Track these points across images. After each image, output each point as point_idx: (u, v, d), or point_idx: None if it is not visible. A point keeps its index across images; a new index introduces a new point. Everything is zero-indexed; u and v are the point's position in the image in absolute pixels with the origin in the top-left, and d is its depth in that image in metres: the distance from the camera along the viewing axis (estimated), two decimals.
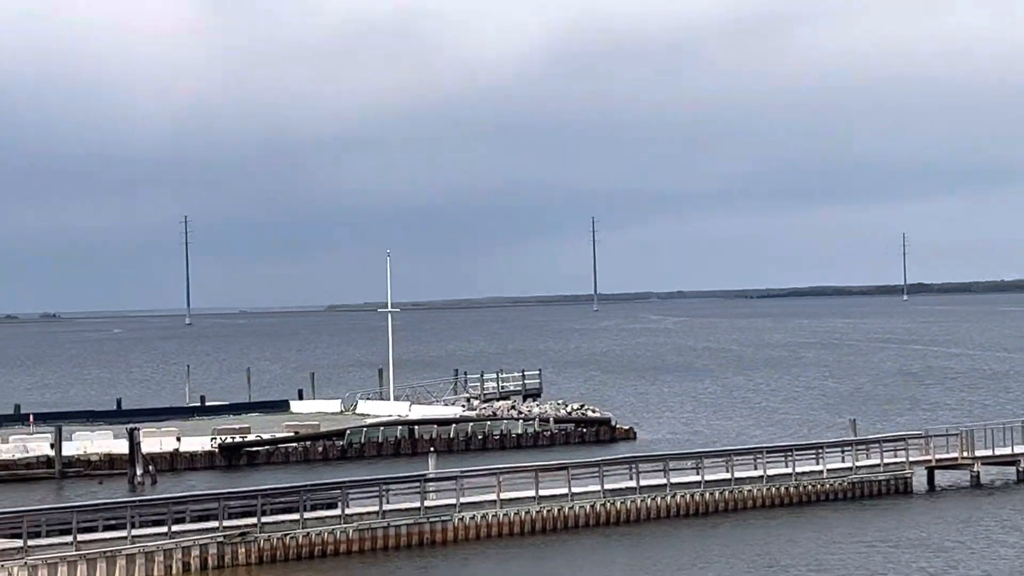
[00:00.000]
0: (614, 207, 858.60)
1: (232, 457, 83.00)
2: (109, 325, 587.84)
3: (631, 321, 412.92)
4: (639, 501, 59.55)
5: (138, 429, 78.42)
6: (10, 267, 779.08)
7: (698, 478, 61.78)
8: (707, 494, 61.30)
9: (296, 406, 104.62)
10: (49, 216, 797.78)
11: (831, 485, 64.48)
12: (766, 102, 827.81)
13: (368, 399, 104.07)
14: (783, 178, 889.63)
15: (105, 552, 48.71)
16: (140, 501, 53.20)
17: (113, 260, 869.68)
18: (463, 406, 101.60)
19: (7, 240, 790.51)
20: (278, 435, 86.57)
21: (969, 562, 49.32)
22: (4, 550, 47.93)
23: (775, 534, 55.90)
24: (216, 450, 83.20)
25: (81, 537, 49.00)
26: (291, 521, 52.69)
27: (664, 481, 60.65)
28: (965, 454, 68.34)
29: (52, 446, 79.80)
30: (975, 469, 68.23)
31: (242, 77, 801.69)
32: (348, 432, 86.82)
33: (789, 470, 64.02)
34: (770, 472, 63.55)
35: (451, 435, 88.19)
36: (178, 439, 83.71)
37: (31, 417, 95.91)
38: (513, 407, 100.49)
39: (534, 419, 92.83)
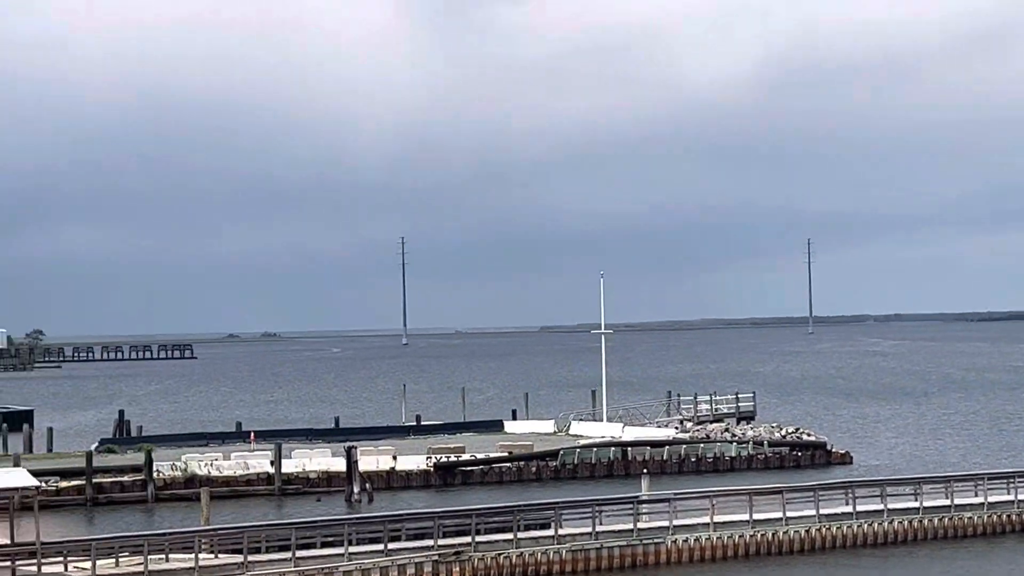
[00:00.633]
0: (830, 228, 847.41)
1: (447, 476, 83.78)
2: (328, 344, 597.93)
3: (847, 344, 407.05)
4: (855, 527, 58.66)
5: (355, 447, 79.58)
6: (232, 288, 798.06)
7: (916, 504, 60.64)
8: (925, 521, 60.13)
9: (510, 426, 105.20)
10: (269, 238, 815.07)
11: None
12: (987, 121, 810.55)
13: (581, 420, 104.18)
14: (1005, 199, 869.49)
15: (323, 568, 49.56)
16: (357, 519, 54.02)
17: (332, 281, 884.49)
18: (676, 428, 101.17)
19: (229, 261, 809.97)
20: (492, 455, 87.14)
21: None
22: (225, 564, 49.04)
23: (997, 563, 54.60)
24: (431, 469, 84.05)
25: (300, 553, 49.94)
26: (505, 541, 52.99)
27: (881, 507, 59.66)
28: None
29: (272, 463, 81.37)
30: None
31: (459, 99, 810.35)
32: (561, 452, 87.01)
33: (1011, 497, 62.48)
34: (991, 499, 62.10)
35: (664, 457, 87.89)
36: (394, 458, 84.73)
37: (252, 435, 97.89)
38: (727, 429, 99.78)
39: (748, 442, 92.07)
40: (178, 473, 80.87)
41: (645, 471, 71.54)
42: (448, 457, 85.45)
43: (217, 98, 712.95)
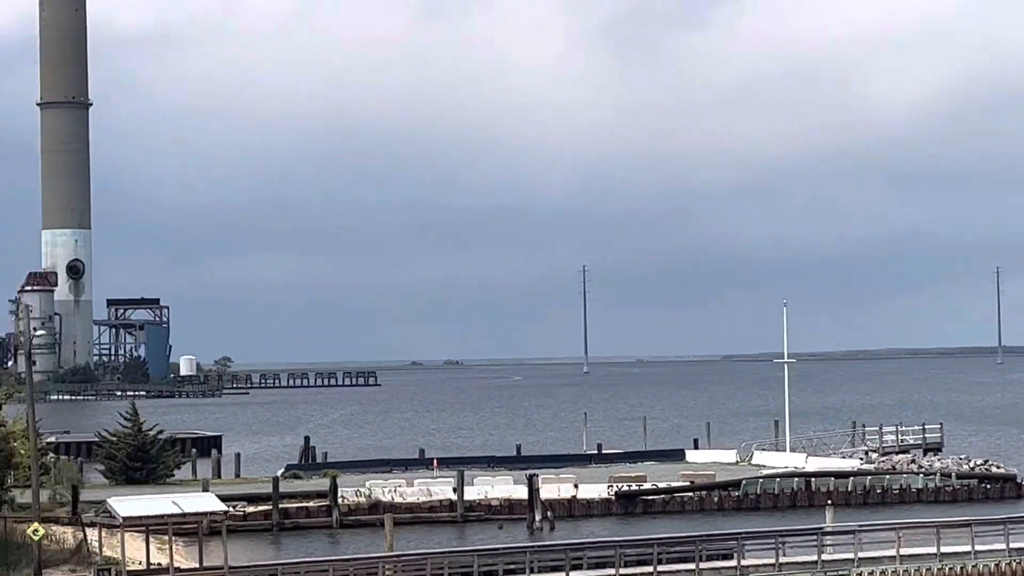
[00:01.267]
0: (1019, 256, 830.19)
1: (628, 505, 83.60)
2: (509, 372, 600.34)
3: None
4: None
5: (537, 475, 79.80)
6: (416, 316, 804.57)
7: None
8: None
9: (691, 455, 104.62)
10: (451, 267, 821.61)
11: None
12: None
13: (764, 450, 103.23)
14: None
15: None
16: (539, 546, 54.19)
17: (513, 309, 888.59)
18: (861, 458, 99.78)
19: (413, 290, 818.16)
20: (674, 484, 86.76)
21: None
22: None
23: None
24: (613, 497, 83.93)
25: None
26: (687, 571, 52.69)
27: None
28: None
29: (455, 490, 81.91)
30: None
31: (640, 127, 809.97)
32: (744, 482, 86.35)
33: None
34: None
35: (849, 488, 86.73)
36: (576, 486, 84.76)
37: (435, 461, 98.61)
38: (913, 461, 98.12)
39: (935, 474, 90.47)
40: (362, 499, 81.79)
41: (829, 502, 70.69)
42: (629, 486, 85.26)
43: (403, 128, 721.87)
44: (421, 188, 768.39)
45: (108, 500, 69.79)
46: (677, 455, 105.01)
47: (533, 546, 54.16)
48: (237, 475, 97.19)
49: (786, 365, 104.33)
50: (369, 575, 49.69)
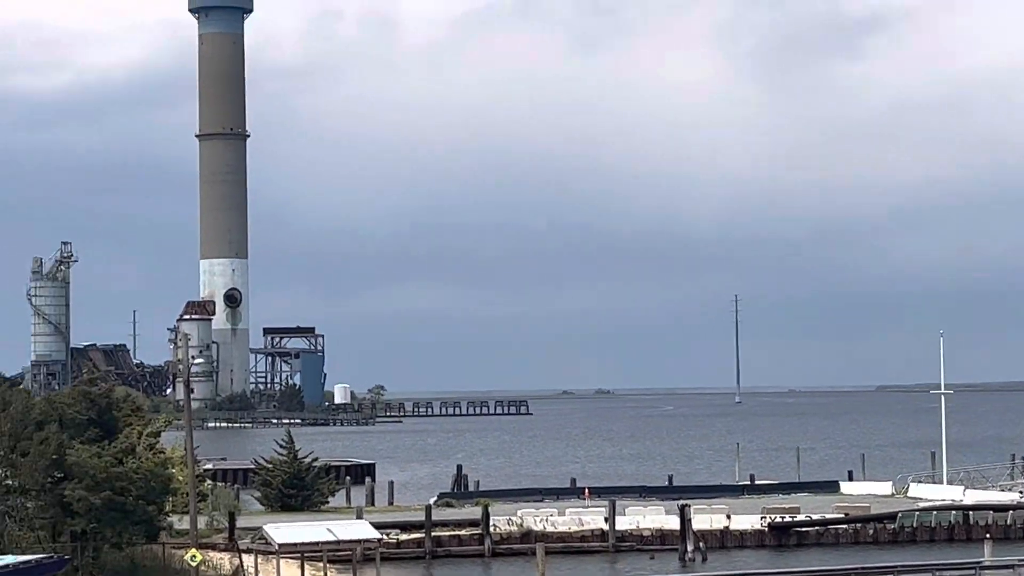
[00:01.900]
0: None
1: (781, 536, 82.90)
2: (660, 402, 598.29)
3: None
4: None
5: (689, 505, 79.48)
6: (567, 345, 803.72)
7: None
8: None
9: (846, 487, 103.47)
10: (603, 295, 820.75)
11: None
12: None
13: (920, 482, 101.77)
14: None
15: None
16: None
17: (664, 338, 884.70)
18: (1021, 492, 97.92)
19: (565, 319, 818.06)
20: (828, 516, 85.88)
21: None
22: None
23: None
24: (766, 529, 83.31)
25: None
26: None
27: None
28: None
29: (606, 519, 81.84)
30: None
31: (792, 156, 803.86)
32: (900, 515, 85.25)
33: None
34: None
35: (1008, 522, 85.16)
36: (728, 516, 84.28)
37: (586, 491, 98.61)
38: None
39: None
40: (514, 528, 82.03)
41: (988, 536, 69.50)
42: (783, 517, 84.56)
43: (555, 156, 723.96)
44: (573, 216, 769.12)
45: (264, 527, 70.95)
46: (831, 487, 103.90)
47: None
48: (390, 503, 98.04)
49: (942, 396, 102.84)
50: None
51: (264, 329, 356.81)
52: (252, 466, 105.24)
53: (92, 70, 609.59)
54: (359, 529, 71.98)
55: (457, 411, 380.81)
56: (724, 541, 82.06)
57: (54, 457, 62.38)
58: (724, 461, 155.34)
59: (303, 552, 67.73)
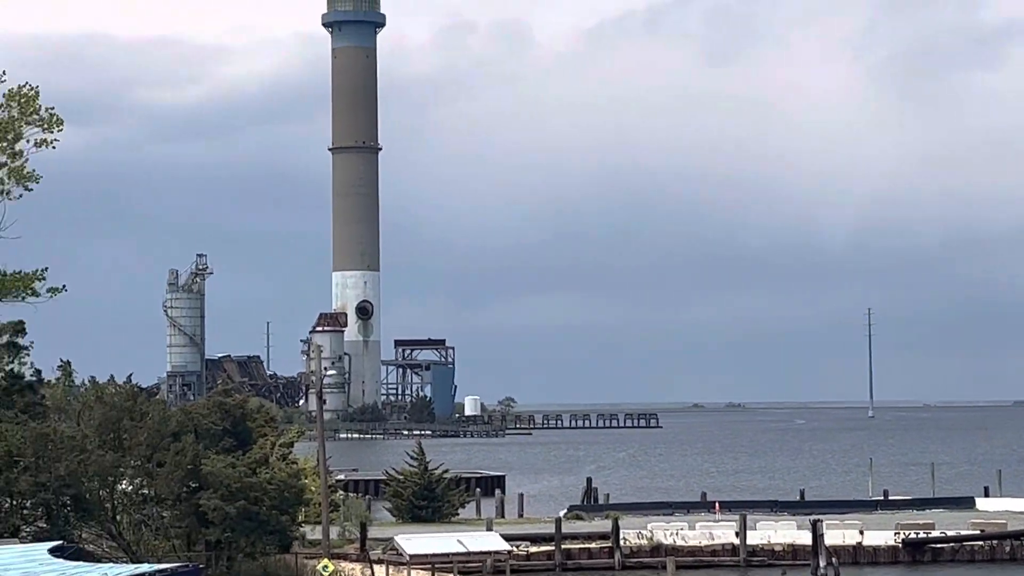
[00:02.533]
0: None
1: (916, 553, 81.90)
2: (792, 416, 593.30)
3: None
4: None
5: (821, 521, 78.81)
6: (698, 358, 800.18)
7: None
8: None
9: (982, 503, 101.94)
10: (733, 308, 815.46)
11: None
12: None
13: None
14: None
15: None
16: None
17: (796, 351, 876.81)
18: None
19: (694, 332, 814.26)
20: (963, 532, 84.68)
21: None
22: None
23: None
24: (899, 545, 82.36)
25: None
26: None
27: None
28: None
29: (737, 534, 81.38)
30: None
31: (928, 166, 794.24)
32: None
33: None
34: None
35: None
36: (861, 532, 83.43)
37: (716, 504, 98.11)
38: None
39: None
40: (644, 541, 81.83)
41: None
42: (917, 533, 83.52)
43: (689, 167, 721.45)
44: (705, 228, 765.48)
45: (395, 538, 71.52)
46: (967, 502, 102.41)
47: None
48: (520, 515, 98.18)
49: None
50: None
51: (395, 341, 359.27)
52: (383, 477, 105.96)
53: (226, 84, 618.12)
54: (489, 541, 72.32)
55: (587, 424, 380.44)
56: (857, 557, 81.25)
57: (189, 467, 63.26)
58: (856, 476, 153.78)
59: (434, 563, 68.10)
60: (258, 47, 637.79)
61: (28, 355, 70.65)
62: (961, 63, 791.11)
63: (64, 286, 70.49)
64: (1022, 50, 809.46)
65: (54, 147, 68.51)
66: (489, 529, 78.68)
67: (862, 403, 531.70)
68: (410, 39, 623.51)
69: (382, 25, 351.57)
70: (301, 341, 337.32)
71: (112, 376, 69.19)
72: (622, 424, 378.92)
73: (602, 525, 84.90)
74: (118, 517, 65.42)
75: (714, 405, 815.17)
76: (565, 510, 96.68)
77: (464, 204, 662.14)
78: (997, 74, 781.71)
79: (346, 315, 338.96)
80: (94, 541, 64.52)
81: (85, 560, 47.47)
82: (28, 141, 68.43)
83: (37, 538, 58.58)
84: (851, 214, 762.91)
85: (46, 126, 68.41)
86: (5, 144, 68.02)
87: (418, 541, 69.68)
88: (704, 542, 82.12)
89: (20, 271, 69.51)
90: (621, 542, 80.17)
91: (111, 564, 49.07)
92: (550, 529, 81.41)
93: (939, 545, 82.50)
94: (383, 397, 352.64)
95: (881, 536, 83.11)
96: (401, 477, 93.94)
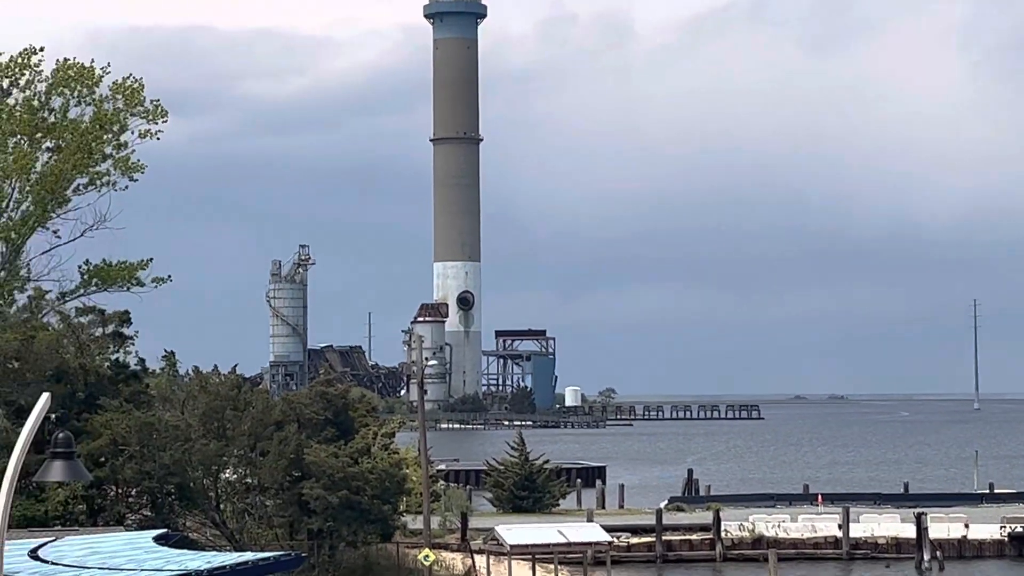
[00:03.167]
0: None
1: (1022, 547, 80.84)
2: (895, 408, 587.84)
3: None
4: None
5: (925, 514, 78.02)
6: (800, 349, 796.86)
7: None
8: None
9: None
10: (835, 299, 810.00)
11: None
12: None
13: None
14: None
15: None
16: None
17: (899, 343, 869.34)
18: None
19: (797, 323, 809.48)
20: None
21: None
22: None
23: None
24: (1006, 539, 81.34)
25: None
26: None
27: None
28: None
29: (840, 526, 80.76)
30: None
31: None
32: None
33: None
34: None
35: None
36: (966, 526, 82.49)
37: (819, 497, 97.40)
38: None
39: None
40: (745, 533, 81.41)
41: None
42: (1023, 527, 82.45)
43: (788, 157, 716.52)
44: (806, 218, 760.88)
45: (496, 528, 71.60)
46: None
47: None
48: (621, 506, 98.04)
49: None
50: None
51: (496, 332, 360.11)
52: (484, 467, 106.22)
53: (329, 76, 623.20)
54: (590, 532, 72.18)
55: (688, 415, 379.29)
56: (962, 551, 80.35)
57: (292, 456, 63.69)
58: (962, 469, 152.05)
59: (534, 554, 68.17)
60: (361, 39, 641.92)
61: (133, 344, 71.42)
62: None
63: (169, 276, 71.37)
64: None
65: (158, 138, 69.32)
66: (589, 520, 78.58)
67: (968, 395, 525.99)
68: (511, 30, 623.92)
69: (483, 16, 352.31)
70: (402, 331, 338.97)
71: (216, 366, 69.74)
72: (723, 416, 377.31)
73: (703, 517, 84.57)
74: (221, 506, 66.01)
75: (816, 397, 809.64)
76: (666, 501, 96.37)
77: (564, 195, 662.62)
78: None
79: (447, 306, 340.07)
80: (198, 529, 65.13)
81: (189, 548, 47.87)
82: (133, 132, 69.24)
83: (142, 526, 59.23)
84: (956, 204, 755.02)
85: (151, 117, 69.17)
86: (111, 135, 68.81)
87: (519, 531, 69.70)
88: (806, 534, 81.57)
89: (125, 261, 70.37)
90: (722, 534, 79.84)
91: (215, 552, 49.46)
92: (651, 520, 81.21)
93: None
94: (484, 388, 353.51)
95: (986, 530, 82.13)
96: (502, 467, 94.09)
